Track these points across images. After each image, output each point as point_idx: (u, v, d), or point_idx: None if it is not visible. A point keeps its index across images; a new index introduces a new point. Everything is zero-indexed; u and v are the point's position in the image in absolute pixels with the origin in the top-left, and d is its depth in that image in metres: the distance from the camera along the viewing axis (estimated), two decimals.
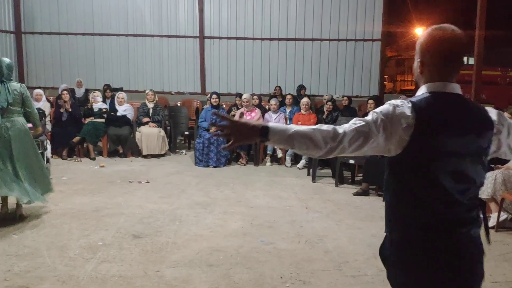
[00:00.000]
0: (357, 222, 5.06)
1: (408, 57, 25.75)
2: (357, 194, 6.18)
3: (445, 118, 1.68)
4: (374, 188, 6.25)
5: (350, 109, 9.14)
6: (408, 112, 1.65)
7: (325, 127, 1.66)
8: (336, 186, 6.65)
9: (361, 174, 6.58)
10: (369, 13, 11.76)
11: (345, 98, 9.36)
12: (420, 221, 1.70)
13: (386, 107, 1.69)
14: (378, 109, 1.70)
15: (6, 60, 4.89)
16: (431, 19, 18.68)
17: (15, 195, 4.69)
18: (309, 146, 1.65)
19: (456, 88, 1.76)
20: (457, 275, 1.68)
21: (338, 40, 11.88)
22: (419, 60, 1.80)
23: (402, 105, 1.69)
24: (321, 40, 11.90)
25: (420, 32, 20.93)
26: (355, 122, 1.67)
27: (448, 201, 1.68)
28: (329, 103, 8.59)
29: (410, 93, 16.61)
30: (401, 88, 24.47)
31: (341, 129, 1.66)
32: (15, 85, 4.88)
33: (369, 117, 1.68)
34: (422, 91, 1.79)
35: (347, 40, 11.87)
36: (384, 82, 20.28)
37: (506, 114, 2.27)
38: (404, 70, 27.93)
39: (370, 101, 7.95)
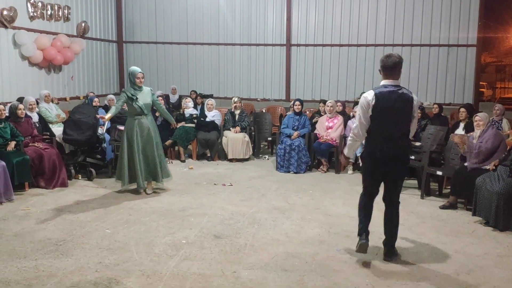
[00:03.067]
0: (440, 237, 4.85)
1: (510, 63, 23.89)
2: (443, 207, 5.89)
3: (384, 96, 3.89)
4: (463, 202, 5.93)
5: (440, 118, 8.64)
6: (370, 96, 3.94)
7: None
8: (422, 198, 6.39)
9: (449, 187, 6.27)
10: (463, 17, 11.16)
11: (435, 105, 8.90)
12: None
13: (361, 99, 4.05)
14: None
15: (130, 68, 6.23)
16: None
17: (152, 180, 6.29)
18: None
19: (394, 82, 3.94)
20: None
21: (430, 45, 11.41)
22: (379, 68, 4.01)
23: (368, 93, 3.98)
24: (412, 45, 11.50)
25: None
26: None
27: (382, 136, 3.98)
28: (418, 110, 8.20)
29: (510, 101, 15.43)
30: (501, 96, 22.70)
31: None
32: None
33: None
34: (381, 84, 3.99)
35: (439, 45, 11.35)
36: (482, 90, 18.98)
37: None
38: (504, 77, 25.91)
39: (462, 109, 7.52)
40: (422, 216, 5.57)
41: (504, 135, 6.16)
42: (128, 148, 6.10)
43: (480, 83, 15.16)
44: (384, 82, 3.97)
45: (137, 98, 5.96)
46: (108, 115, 5.99)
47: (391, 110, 3.92)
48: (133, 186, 6.28)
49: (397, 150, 4.01)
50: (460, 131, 7.15)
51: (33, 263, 3.97)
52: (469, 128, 6.91)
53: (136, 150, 6.05)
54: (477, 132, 5.85)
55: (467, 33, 11.18)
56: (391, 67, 3.92)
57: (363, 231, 4.22)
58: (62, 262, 4.00)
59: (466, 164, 5.85)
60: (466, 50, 11.30)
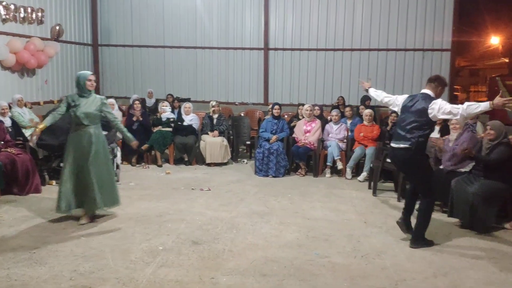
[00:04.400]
0: None
1: (483, 67, 24.43)
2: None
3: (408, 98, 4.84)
4: (439, 204, 6.00)
5: None
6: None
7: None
8: (399, 200, 6.44)
9: None
10: (438, 22, 11.36)
11: None
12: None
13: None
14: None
15: (78, 74, 5.31)
16: (510, 27, 17.59)
17: (84, 208, 5.18)
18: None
19: (424, 90, 4.74)
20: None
21: (405, 50, 11.56)
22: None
23: None
24: (387, 50, 11.64)
25: (496, 41, 19.84)
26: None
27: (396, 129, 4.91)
28: (394, 114, 8.33)
29: None
30: (474, 99, 23.19)
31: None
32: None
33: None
34: None
35: (414, 50, 11.52)
36: (457, 93, 19.37)
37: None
38: (478, 81, 26.46)
39: None
40: None
41: (479, 138, 6.26)
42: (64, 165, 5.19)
43: (455, 86, 15.46)
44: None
45: (76, 106, 5.09)
46: (41, 126, 5.17)
47: (404, 111, 4.74)
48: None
49: (400, 147, 4.66)
50: (435, 134, 7.25)
51: (5, 272, 3.85)
52: (444, 131, 7.02)
53: (67, 168, 5.13)
54: (453, 135, 5.95)
55: (441, 38, 11.39)
56: (428, 80, 4.82)
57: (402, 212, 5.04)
58: (35, 270, 3.89)
59: (441, 166, 5.94)
60: (440, 54, 11.50)
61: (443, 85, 4.72)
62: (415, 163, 4.65)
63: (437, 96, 4.65)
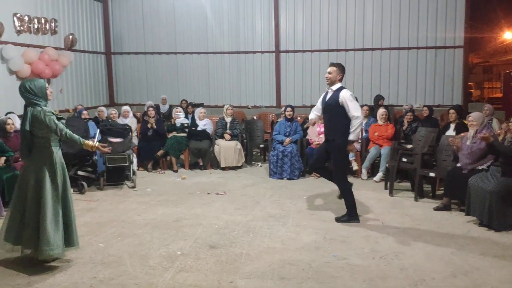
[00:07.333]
0: (436, 239, 4.85)
1: (496, 63, 24.13)
2: (437, 209, 5.91)
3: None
4: (456, 203, 5.94)
5: (431, 120, 8.62)
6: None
7: None
8: (416, 200, 6.40)
9: (443, 188, 6.29)
10: (450, 19, 11.23)
11: (425, 108, 8.93)
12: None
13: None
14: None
15: (33, 82, 4.13)
16: None
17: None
18: None
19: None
20: None
21: (418, 48, 11.47)
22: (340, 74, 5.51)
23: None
24: (399, 49, 11.56)
25: (509, 36, 19.58)
26: None
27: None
28: (409, 113, 8.27)
29: (498, 101, 15.55)
30: (489, 96, 22.90)
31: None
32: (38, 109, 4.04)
33: None
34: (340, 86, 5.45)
35: (427, 48, 11.42)
36: (471, 90, 19.16)
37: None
38: (492, 77, 26.15)
39: (452, 111, 7.55)
40: (417, 218, 5.58)
41: (496, 135, 6.19)
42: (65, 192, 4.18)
43: (468, 84, 15.29)
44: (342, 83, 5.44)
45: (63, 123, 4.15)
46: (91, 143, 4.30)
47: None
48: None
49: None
50: (451, 132, 7.18)
51: (26, 280, 3.91)
52: (459, 129, 6.95)
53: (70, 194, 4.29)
54: (471, 132, 5.86)
55: (454, 35, 11.27)
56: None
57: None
58: (55, 278, 3.94)
59: (458, 165, 5.87)
60: (453, 51, 11.38)
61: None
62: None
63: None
